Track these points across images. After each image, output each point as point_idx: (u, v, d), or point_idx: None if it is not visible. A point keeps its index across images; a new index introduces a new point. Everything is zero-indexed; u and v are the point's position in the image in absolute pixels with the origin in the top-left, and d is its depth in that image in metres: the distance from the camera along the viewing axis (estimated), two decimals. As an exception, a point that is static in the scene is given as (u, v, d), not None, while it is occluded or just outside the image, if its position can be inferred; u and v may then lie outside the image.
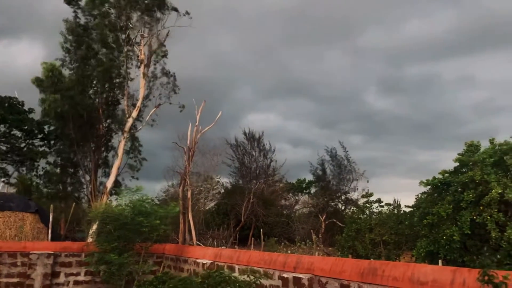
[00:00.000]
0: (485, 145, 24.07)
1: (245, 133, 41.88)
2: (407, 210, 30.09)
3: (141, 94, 31.29)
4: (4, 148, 28.84)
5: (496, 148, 22.63)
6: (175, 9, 30.95)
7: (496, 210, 21.51)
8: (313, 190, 44.45)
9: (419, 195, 27.35)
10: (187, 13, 30.67)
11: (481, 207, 21.76)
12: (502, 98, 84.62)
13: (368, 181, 40.91)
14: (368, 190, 39.26)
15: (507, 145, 22.38)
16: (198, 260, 18.63)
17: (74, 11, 30.41)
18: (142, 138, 34.17)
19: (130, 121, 30.86)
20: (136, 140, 33.20)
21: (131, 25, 31.05)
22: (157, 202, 32.74)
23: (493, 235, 21.31)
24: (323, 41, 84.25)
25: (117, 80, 32.44)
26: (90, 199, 30.48)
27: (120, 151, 30.35)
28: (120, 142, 30.66)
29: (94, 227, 24.38)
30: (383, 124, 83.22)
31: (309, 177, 44.55)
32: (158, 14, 31.18)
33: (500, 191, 21.13)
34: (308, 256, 14.21)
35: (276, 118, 75.12)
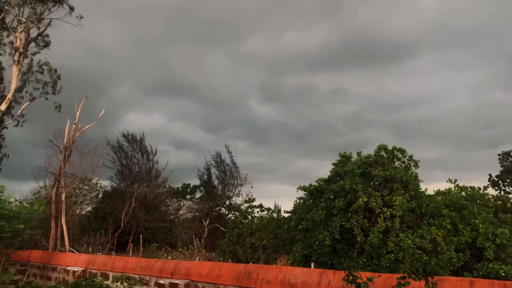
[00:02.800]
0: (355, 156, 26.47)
1: (124, 135, 40.39)
2: (286, 215, 31.70)
3: (13, 85, 28.20)
4: None
5: (363, 160, 24.95)
6: (71, 9, 28.58)
7: (361, 216, 23.63)
8: (198, 195, 44.42)
9: (297, 201, 29.00)
10: (81, 16, 28.54)
11: (350, 214, 23.74)
12: (368, 112, 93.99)
13: (252, 187, 42.23)
14: (252, 195, 40.53)
15: (371, 157, 24.79)
16: (69, 268, 17.34)
17: None
18: (10, 133, 30.73)
19: (-3, 114, 27.73)
20: (2, 136, 29.79)
21: (6, 7, 28.00)
22: (26, 205, 29.76)
23: (359, 239, 23.38)
24: (205, 42, 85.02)
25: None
26: None
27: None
28: (-16, 137, 27.39)
29: None
30: (265, 131, 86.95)
31: (194, 181, 44.56)
32: (46, 4, 28.60)
33: (365, 200, 23.26)
34: (186, 261, 14.13)
35: (159, 118, 73.44)
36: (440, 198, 24.84)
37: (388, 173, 23.79)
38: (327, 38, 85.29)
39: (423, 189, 25.03)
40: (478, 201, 24.50)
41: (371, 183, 24.82)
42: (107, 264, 15.90)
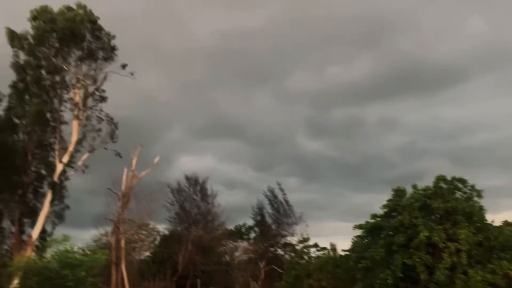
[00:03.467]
0: (411, 189, 25.46)
1: (187, 178, 41.15)
2: (344, 254, 30.68)
3: (73, 138, 29.87)
4: None
5: (421, 192, 23.97)
6: (124, 66, 30.54)
7: (424, 252, 22.49)
8: (252, 235, 44.09)
9: (355, 239, 28.08)
10: (132, 73, 30.44)
11: (411, 250, 22.68)
12: (423, 141, 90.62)
13: (307, 225, 41.33)
14: (307, 234, 39.65)
15: (430, 189, 23.78)
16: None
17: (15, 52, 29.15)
18: (71, 183, 32.33)
19: (60, 167, 29.33)
20: (65, 188, 31.36)
21: (66, 68, 30.25)
22: (88, 252, 30.82)
23: (423, 277, 22.15)
24: (249, 83, 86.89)
25: (50, 123, 31.04)
26: (12, 251, 28.08)
27: (47, 199, 28.45)
28: (48, 189, 28.86)
29: (16, 281, 22.33)
30: (316, 166, 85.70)
31: (248, 222, 44.29)
32: (100, 60, 30.70)
33: (427, 234, 22.19)
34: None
35: (209, 160, 74.72)
36: (510, 229, 23.23)
37: (449, 205, 22.70)
38: (371, 69, 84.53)
39: (489, 220, 23.58)
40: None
41: (432, 217, 23.72)
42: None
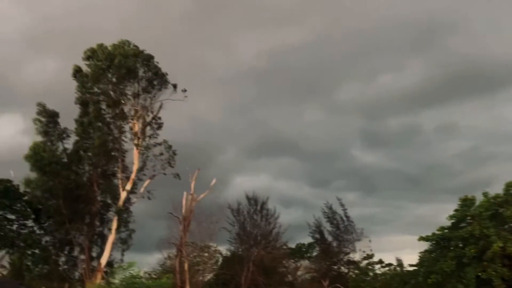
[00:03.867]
0: (479, 197, 23.99)
1: (248, 198, 41.30)
2: (411, 269, 29.30)
3: (135, 166, 31.31)
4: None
5: (491, 200, 22.56)
6: (174, 86, 31.94)
7: (500, 265, 21.09)
8: (314, 253, 43.26)
9: (422, 253, 26.77)
10: (184, 90, 31.71)
11: (485, 263, 21.32)
12: (487, 145, 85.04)
13: (370, 241, 39.90)
14: (371, 249, 38.24)
15: (501, 197, 22.35)
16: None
17: (78, 90, 31.30)
18: (134, 209, 33.65)
19: (124, 194, 30.67)
20: (129, 214, 32.69)
21: (124, 102, 31.92)
22: (154, 276, 31.67)
23: (500, 292, 20.70)
24: (299, 98, 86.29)
25: (112, 153, 32.68)
26: (83, 278, 29.47)
27: (114, 226, 29.80)
28: (114, 217, 30.21)
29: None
30: (374, 179, 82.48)
31: (307, 240, 43.46)
32: (154, 89, 32.26)
33: (501, 245, 20.83)
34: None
35: (264, 178, 74.08)
36: None
37: (523, 213, 21.18)
38: (424, 73, 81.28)
39: None
40: None
41: (505, 226, 22.21)
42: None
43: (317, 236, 40.29)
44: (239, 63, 77.02)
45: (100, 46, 30.64)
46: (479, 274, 21.72)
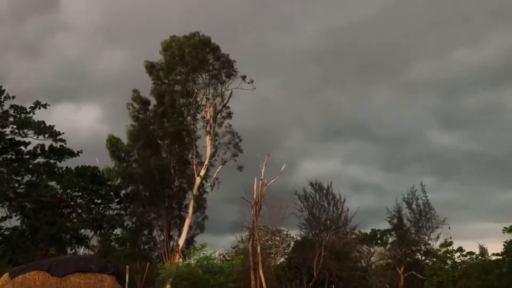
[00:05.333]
0: None
1: (312, 184, 41.23)
2: (494, 258, 27.56)
3: (207, 153, 32.53)
4: (84, 216, 30.95)
5: None
6: (244, 77, 32.62)
7: None
8: (389, 239, 42.14)
9: (507, 242, 25.08)
10: (252, 80, 32.26)
11: None
12: None
13: (449, 228, 37.97)
14: (451, 237, 36.46)
15: None
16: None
17: (153, 82, 33.22)
18: (209, 193, 34.98)
19: (198, 180, 32.02)
20: (204, 198, 34.09)
21: (196, 91, 33.13)
22: (228, 258, 32.81)
23: None
24: (368, 78, 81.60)
25: (186, 140, 34.13)
26: (163, 258, 31.32)
27: (190, 210, 31.36)
28: (190, 201, 31.71)
29: (168, 286, 24.85)
30: (452, 162, 76.68)
31: (380, 225, 42.30)
32: (224, 78, 33.19)
33: None
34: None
35: (333, 163, 71.77)
36: None
37: None
38: (505, 46, 73.63)
39: None
40: None
41: None
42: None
43: (395, 221, 39.16)
44: (303, 43, 75.14)
45: (173, 38, 31.98)
46: None
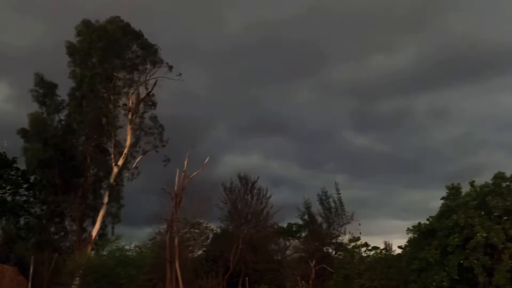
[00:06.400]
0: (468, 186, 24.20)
1: (239, 177, 41.57)
2: (400, 251, 29.79)
3: (128, 142, 31.44)
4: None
5: (478, 190, 22.79)
6: (170, 67, 31.75)
7: (482, 253, 21.45)
8: (304, 233, 43.72)
9: (408, 239, 27.18)
10: (180, 74, 31.56)
11: (467, 251, 21.68)
12: (481, 132, 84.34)
13: (359, 224, 40.26)
14: (360, 233, 38.65)
15: (488, 186, 22.56)
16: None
17: (71, 65, 31.23)
18: (126, 183, 33.83)
19: (116, 169, 30.89)
20: (121, 189, 32.97)
21: (119, 77, 31.79)
22: (144, 251, 32.10)
23: (481, 280, 21.11)
24: (290, 77, 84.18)
25: (106, 128, 32.74)
26: (74, 249, 29.91)
27: (105, 200, 30.14)
28: (106, 191, 30.50)
29: (77, 279, 23.75)
30: (365, 162, 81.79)
31: (294, 219, 43.80)
32: (148, 66, 32.14)
33: (485, 235, 21.14)
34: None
35: (255, 157, 73.47)
36: None
37: (508, 204, 21.44)
38: (418, 54, 79.40)
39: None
40: None
41: (490, 216, 22.48)
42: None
43: (306, 217, 40.62)
44: (228, 35, 75.03)
45: (87, 22, 30.46)
46: (462, 262, 22.09)
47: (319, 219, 39.67)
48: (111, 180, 30.77)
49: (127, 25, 31.33)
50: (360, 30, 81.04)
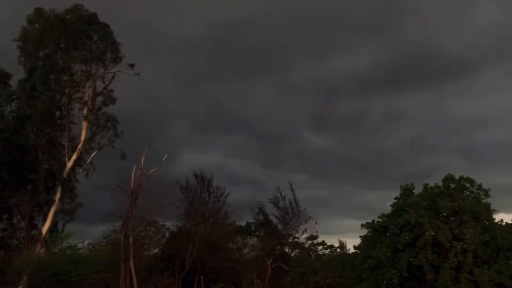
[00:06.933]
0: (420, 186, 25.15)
1: (195, 175, 41.14)
2: (352, 251, 30.55)
3: (82, 136, 30.39)
4: None
5: (429, 191, 23.71)
6: (132, 65, 30.80)
7: (430, 252, 22.27)
8: (262, 232, 43.88)
9: (362, 238, 27.89)
10: (139, 73, 30.70)
11: (417, 249, 22.47)
12: (432, 136, 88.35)
13: (316, 223, 41.00)
14: (317, 231, 39.35)
15: (438, 188, 23.49)
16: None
17: (21, 54, 29.61)
18: (81, 179, 32.65)
19: (69, 164, 29.78)
20: (75, 185, 31.79)
21: (76, 69, 30.63)
22: (97, 249, 31.22)
23: (429, 277, 21.95)
24: (252, 75, 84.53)
25: (59, 122, 31.48)
26: (22, 247, 28.62)
27: (57, 196, 28.98)
28: (58, 186, 29.35)
29: (25, 278, 22.75)
30: (324, 163, 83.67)
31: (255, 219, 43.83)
32: (108, 60, 31.08)
33: (433, 233, 21.97)
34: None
35: (215, 156, 72.89)
36: (519, 229, 22.85)
37: (456, 204, 22.41)
38: (376, 59, 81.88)
39: (497, 219, 23.25)
40: None
41: (439, 216, 23.45)
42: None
43: (261, 218, 40.71)
44: (189, 29, 74.06)
45: (40, 10, 29.17)
46: (411, 260, 22.83)
47: (274, 220, 39.85)
48: (64, 175, 29.59)
49: (93, 15, 30.10)
50: (322, 31, 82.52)
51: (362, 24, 78.68)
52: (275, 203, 39.38)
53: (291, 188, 39.83)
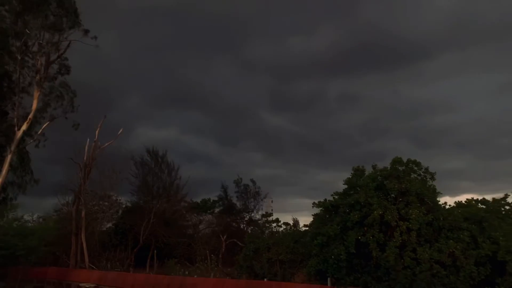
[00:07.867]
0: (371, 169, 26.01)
1: (148, 151, 40.69)
2: (304, 229, 31.34)
3: (34, 105, 29.23)
4: None
5: (378, 173, 24.53)
6: (86, 31, 29.55)
7: (377, 230, 23.15)
8: (218, 209, 44.25)
9: (314, 216, 28.64)
10: (95, 37, 29.47)
11: (365, 228, 23.31)
12: (385, 119, 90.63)
13: (272, 201, 41.70)
14: (272, 209, 40.06)
15: (386, 170, 24.35)
16: (82, 284, 17.71)
17: None
18: (31, 151, 31.46)
19: (19, 134, 28.62)
20: (26, 155, 30.67)
21: (28, 32, 29.12)
22: (47, 222, 30.44)
23: (374, 254, 22.89)
24: (210, 49, 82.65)
25: (8, 88, 29.99)
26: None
27: (5, 168, 27.85)
28: (6, 157, 28.20)
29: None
30: (280, 142, 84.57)
31: (210, 195, 44.35)
32: (64, 27, 29.69)
33: (381, 213, 22.81)
34: (192, 277, 14.18)
35: (171, 131, 71.88)
36: (459, 210, 24.13)
37: (403, 186, 23.29)
38: (334, 40, 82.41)
39: (443, 201, 24.40)
40: (502, 213, 23.74)
41: (387, 197, 24.35)
42: (117, 280, 16.15)
43: (222, 195, 41.17)
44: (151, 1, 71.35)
45: None
46: (359, 237, 23.61)
47: (234, 199, 40.39)
48: (13, 147, 28.45)
49: None
50: (282, 11, 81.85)
51: (322, 4, 78.60)
52: (237, 182, 39.97)
53: (252, 180, 40.37)
